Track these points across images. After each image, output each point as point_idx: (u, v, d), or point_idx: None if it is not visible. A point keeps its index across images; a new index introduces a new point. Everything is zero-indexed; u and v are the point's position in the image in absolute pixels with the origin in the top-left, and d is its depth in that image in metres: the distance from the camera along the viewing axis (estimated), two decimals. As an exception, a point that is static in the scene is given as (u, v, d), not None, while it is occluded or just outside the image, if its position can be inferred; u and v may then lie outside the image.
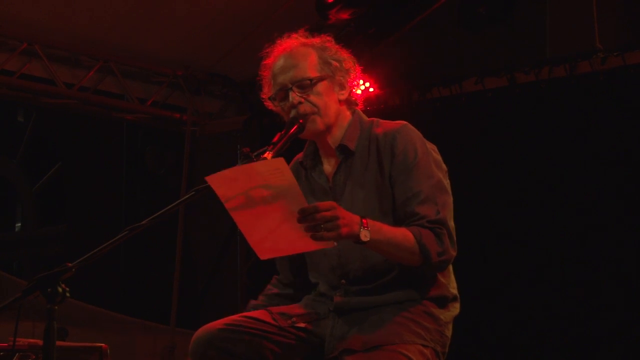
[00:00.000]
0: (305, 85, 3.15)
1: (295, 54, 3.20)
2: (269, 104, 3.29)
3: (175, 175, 9.39)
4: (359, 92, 3.36)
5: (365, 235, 2.85)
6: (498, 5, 6.68)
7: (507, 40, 7.21)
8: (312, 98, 3.15)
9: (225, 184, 2.78)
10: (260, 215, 2.80)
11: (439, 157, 3.22)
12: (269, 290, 3.49)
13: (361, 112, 3.33)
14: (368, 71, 6.72)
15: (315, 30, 3.34)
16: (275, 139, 3.05)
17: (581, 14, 6.53)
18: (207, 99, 8.01)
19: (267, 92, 3.28)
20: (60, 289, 2.46)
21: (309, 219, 2.75)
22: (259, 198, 2.77)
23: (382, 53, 7.28)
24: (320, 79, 3.17)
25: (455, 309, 3.23)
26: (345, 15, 6.75)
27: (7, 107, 14.63)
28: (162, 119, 7.97)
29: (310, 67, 3.17)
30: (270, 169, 2.72)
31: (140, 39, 7.16)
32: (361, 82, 6.70)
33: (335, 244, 3.16)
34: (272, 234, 2.84)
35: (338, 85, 3.23)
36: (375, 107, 6.81)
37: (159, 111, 7.82)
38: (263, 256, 2.94)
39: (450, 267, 3.21)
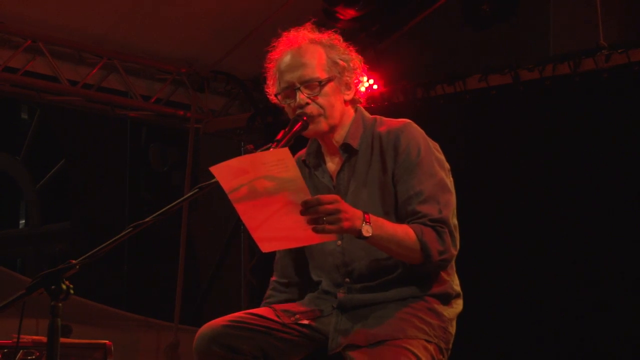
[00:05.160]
0: (314, 86, 3.13)
1: (304, 51, 3.16)
2: (272, 99, 3.26)
3: (178, 172, 9.42)
4: (362, 89, 3.34)
5: (367, 231, 2.86)
6: (502, 3, 6.68)
7: (511, 37, 7.22)
8: (320, 100, 3.13)
9: (230, 174, 2.78)
10: (263, 206, 2.80)
11: (441, 156, 3.21)
12: (270, 297, 3.46)
13: (363, 110, 3.31)
14: (372, 68, 6.70)
15: (320, 26, 3.30)
16: (279, 136, 3.04)
17: (585, 11, 6.53)
18: (211, 96, 8.01)
19: (271, 85, 3.25)
20: (64, 286, 2.45)
21: (311, 212, 2.76)
22: (263, 189, 2.77)
23: (386, 50, 7.27)
24: (329, 80, 3.14)
25: (458, 305, 3.23)
26: (352, 11, 6.72)
27: (11, 104, 14.67)
28: (166, 116, 7.97)
29: (318, 67, 3.14)
30: (275, 160, 2.72)
31: (144, 36, 7.16)
32: (365, 79, 6.70)
33: (339, 242, 3.17)
34: (275, 226, 2.84)
35: (344, 85, 3.20)
36: (379, 105, 6.80)
37: (163, 108, 7.82)
38: (265, 249, 2.94)
39: (454, 264, 3.21)
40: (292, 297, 3.42)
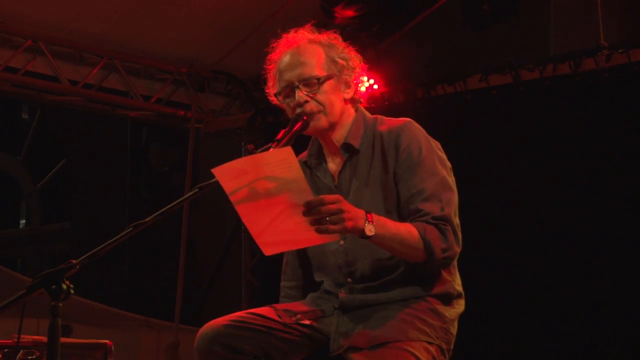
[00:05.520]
0: (313, 84, 3.14)
1: (303, 51, 3.18)
2: (273, 99, 3.27)
3: (179, 172, 9.43)
4: (362, 89, 3.34)
5: (370, 230, 2.85)
6: (502, 3, 6.68)
7: (511, 37, 7.22)
8: (319, 97, 3.14)
9: (231, 176, 2.77)
10: (265, 208, 2.79)
11: (443, 155, 3.22)
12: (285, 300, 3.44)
13: (364, 110, 3.32)
14: (372, 68, 6.70)
15: (320, 26, 3.32)
16: (279, 135, 3.04)
17: (585, 11, 6.53)
18: (211, 96, 8.00)
19: (271, 86, 3.26)
20: (64, 286, 2.45)
21: (314, 212, 2.75)
22: (264, 190, 2.75)
23: (387, 50, 7.28)
24: (328, 77, 3.16)
25: (460, 306, 3.22)
26: (350, 12, 6.75)
27: (11, 104, 14.67)
28: (166, 116, 7.97)
29: (317, 65, 3.16)
30: (277, 160, 2.72)
31: (145, 36, 7.16)
32: (365, 79, 6.69)
33: (342, 242, 3.16)
34: (277, 228, 2.83)
35: (344, 84, 3.21)
36: (380, 105, 6.80)
37: (163, 108, 7.82)
38: (267, 252, 2.93)
39: (455, 264, 3.21)
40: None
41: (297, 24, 3.30)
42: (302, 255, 3.39)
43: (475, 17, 6.78)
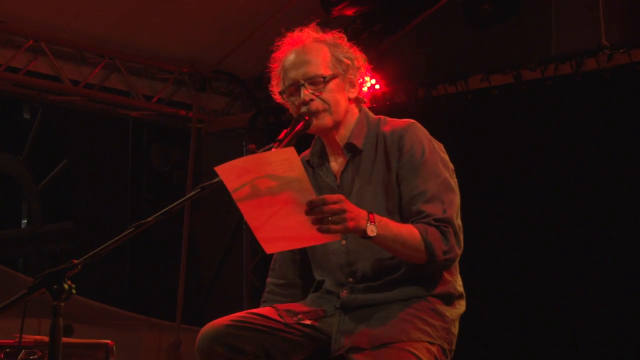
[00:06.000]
0: (318, 83, 3.14)
1: (309, 49, 3.18)
2: (277, 97, 3.27)
3: (180, 172, 9.42)
4: (364, 89, 3.34)
5: (372, 230, 2.85)
6: (504, 2, 6.68)
7: (512, 37, 7.21)
8: (324, 95, 3.14)
9: (234, 174, 2.77)
10: (268, 206, 2.80)
11: (446, 156, 3.22)
12: (267, 301, 3.43)
13: (368, 110, 3.32)
14: (374, 68, 6.69)
15: (323, 26, 3.31)
16: (281, 135, 3.04)
17: (587, 10, 6.52)
18: (213, 96, 8.02)
19: (275, 85, 3.26)
20: (66, 286, 2.45)
21: (316, 211, 2.75)
22: (267, 189, 2.76)
23: (388, 50, 7.27)
24: (333, 76, 3.16)
25: (461, 306, 3.22)
26: (349, 13, 6.76)
27: (13, 104, 14.68)
28: (168, 116, 7.98)
29: (323, 64, 3.16)
30: (280, 159, 2.72)
31: (146, 36, 7.17)
32: (367, 79, 6.68)
33: (344, 242, 3.16)
34: (279, 226, 2.84)
35: (348, 83, 3.22)
36: (382, 104, 6.80)
37: (165, 108, 7.83)
38: (269, 250, 2.94)
39: (457, 265, 3.21)
40: (290, 299, 3.40)
41: (299, 24, 3.30)
42: (295, 254, 3.39)
43: (477, 17, 6.78)
